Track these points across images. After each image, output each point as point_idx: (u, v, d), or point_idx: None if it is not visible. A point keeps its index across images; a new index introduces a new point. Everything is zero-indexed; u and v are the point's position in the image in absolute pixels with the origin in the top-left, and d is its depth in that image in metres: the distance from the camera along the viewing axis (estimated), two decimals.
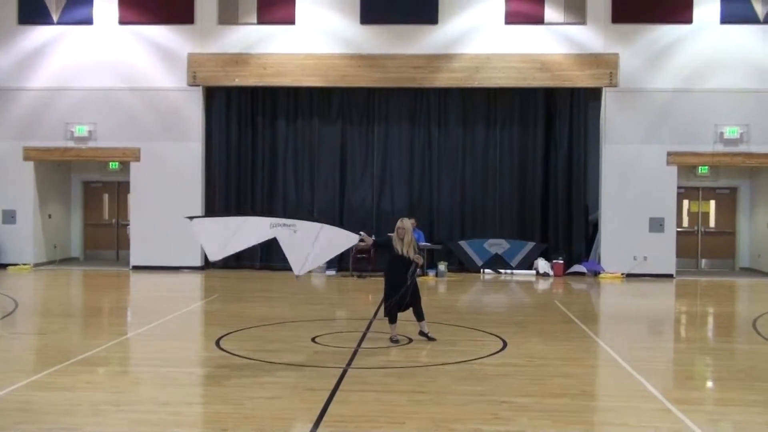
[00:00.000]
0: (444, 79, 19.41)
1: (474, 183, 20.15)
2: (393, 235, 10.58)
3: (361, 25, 19.47)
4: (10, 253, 20.00)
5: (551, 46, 19.25)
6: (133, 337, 11.13)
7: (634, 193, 19.17)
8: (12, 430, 6.59)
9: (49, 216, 20.80)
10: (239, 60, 19.55)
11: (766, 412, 7.37)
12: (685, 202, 20.92)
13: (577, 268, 19.35)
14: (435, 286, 17.82)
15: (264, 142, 20.39)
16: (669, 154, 19.15)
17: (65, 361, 9.05)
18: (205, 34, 19.72)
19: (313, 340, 10.57)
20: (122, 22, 19.83)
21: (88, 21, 19.86)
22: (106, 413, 7.11)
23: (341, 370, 8.76)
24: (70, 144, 19.95)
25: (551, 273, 19.17)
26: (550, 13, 19.27)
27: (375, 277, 18.63)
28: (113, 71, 19.81)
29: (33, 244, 20.11)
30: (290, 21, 19.55)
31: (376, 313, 12.68)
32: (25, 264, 19.86)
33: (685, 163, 19.48)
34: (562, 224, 19.94)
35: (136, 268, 19.73)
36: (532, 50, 19.21)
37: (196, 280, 18.42)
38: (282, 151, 20.35)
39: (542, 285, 18.05)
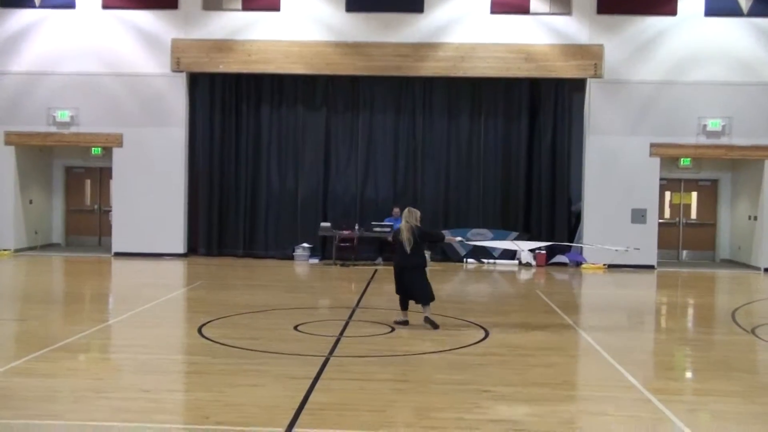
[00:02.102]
0: (429, 68, 19.39)
1: (458, 172, 20.17)
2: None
3: (347, 12, 19.38)
4: None
5: (536, 37, 19.26)
6: (115, 323, 11.08)
7: (617, 184, 19.25)
8: None
9: (30, 201, 20.63)
10: (223, 46, 19.43)
11: (744, 402, 7.45)
12: (667, 194, 21.03)
13: (560, 258, 19.44)
14: None
15: (248, 130, 20.30)
16: (652, 145, 19.25)
17: (45, 348, 9.00)
18: (189, 20, 19.57)
19: (295, 328, 10.57)
20: (105, 6, 19.64)
21: (71, 5, 19.66)
22: (88, 400, 7.08)
23: (323, 358, 8.77)
24: (53, 129, 19.77)
25: (533, 263, 19.25)
26: (536, 3, 19.26)
27: (358, 266, 18.66)
28: (96, 56, 19.63)
29: (13, 229, 19.93)
30: (275, 8, 19.44)
31: (359, 302, 12.68)
32: (5, 250, 19.70)
33: (667, 155, 19.58)
34: (545, 214, 20.00)
35: (118, 254, 19.62)
36: (517, 40, 19.22)
37: (178, 267, 18.35)
38: (266, 139, 20.28)
39: (524, 275, 18.13)
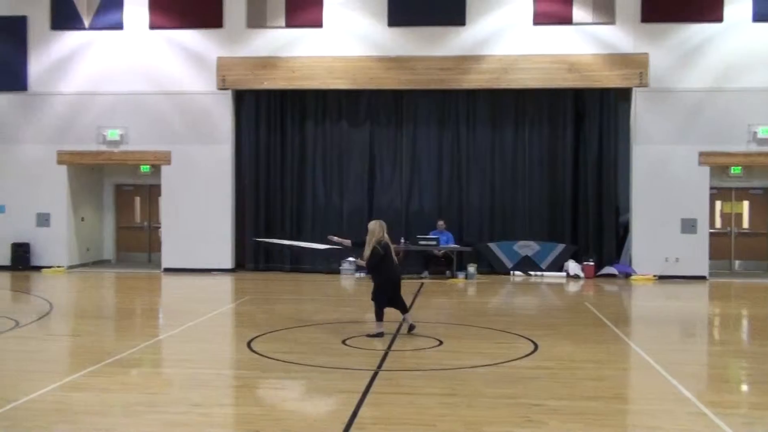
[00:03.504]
0: (472, 81, 19.37)
1: (503, 184, 20.07)
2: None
3: (389, 27, 19.48)
4: (45, 256, 20.28)
5: (580, 47, 19.13)
6: (166, 338, 11.23)
7: (665, 194, 18.97)
8: (48, 430, 6.68)
9: (82, 219, 21.06)
10: (268, 63, 19.66)
11: None
12: (718, 203, 20.65)
13: (608, 269, 19.19)
14: (464, 288, 17.78)
15: (293, 145, 20.47)
16: (701, 154, 18.94)
17: (99, 363, 9.16)
18: (234, 38, 19.85)
19: (343, 342, 10.59)
20: (152, 26, 20.02)
21: (119, 26, 20.08)
22: (140, 414, 7.18)
23: (372, 372, 8.77)
24: (103, 148, 20.19)
25: (582, 275, 19.03)
26: (579, 13, 19.14)
27: (404, 280, 18.60)
28: (144, 75, 20.01)
29: (67, 246, 20.36)
30: (318, 24, 19.62)
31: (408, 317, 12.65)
32: (59, 266, 20.13)
33: (717, 164, 19.24)
34: (592, 226, 19.77)
35: (168, 270, 19.89)
36: (560, 51, 19.11)
37: (226, 282, 18.54)
38: (311, 154, 20.42)
39: (573, 287, 17.93)
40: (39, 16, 20.26)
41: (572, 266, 19.22)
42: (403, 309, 11.27)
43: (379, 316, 10.96)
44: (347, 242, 11.92)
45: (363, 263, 11.38)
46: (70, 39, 20.23)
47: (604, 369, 9.20)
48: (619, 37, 19.08)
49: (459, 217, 20.07)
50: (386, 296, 11.06)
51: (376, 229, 11.05)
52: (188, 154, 19.97)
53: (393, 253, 11.19)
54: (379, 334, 10.86)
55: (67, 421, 6.95)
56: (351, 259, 11.40)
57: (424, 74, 19.37)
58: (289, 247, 13.09)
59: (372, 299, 11.11)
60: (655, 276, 18.80)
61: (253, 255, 20.30)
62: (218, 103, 19.98)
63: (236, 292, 17.22)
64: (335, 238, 12.13)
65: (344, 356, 9.77)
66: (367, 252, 10.98)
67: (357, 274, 19.26)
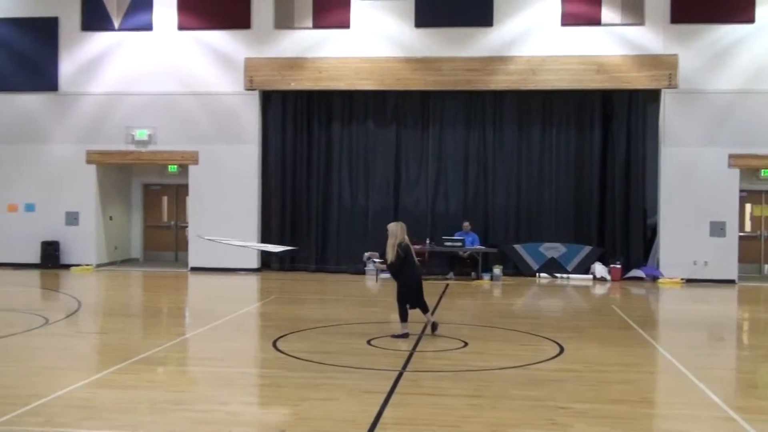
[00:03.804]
0: (499, 82, 19.31)
1: (530, 186, 19.97)
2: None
3: (416, 28, 19.47)
4: (74, 254, 20.50)
5: (608, 48, 19.00)
6: (192, 337, 11.31)
7: (694, 196, 18.78)
8: (76, 426, 6.75)
9: (111, 218, 21.27)
10: (295, 64, 19.73)
11: None
12: (748, 206, 20.39)
13: (635, 272, 19.03)
14: (490, 289, 17.73)
15: (319, 146, 20.52)
16: (730, 156, 18.73)
17: (126, 360, 9.24)
18: (262, 39, 19.95)
19: (368, 342, 10.60)
20: (181, 27, 20.18)
21: (148, 27, 20.27)
22: (166, 412, 7.23)
23: (397, 373, 8.77)
24: (131, 147, 20.38)
25: (608, 277, 18.89)
26: (608, 13, 19.00)
27: (429, 280, 18.60)
28: (172, 76, 20.17)
29: (95, 245, 20.57)
30: (345, 25, 19.66)
31: (430, 317, 12.63)
32: (87, 265, 20.34)
33: (747, 166, 19.01)
34: (619, 228, 19.61)
35: (195, 269, 20.03)
36: (588, 52, 18.98)
37: (252, 281, 18.63)
38: (337, 154, 20.46)
39: (599, 289, 17.81)
40: (70, 17, 20.50)
41: (599, 268, 19.08)
42: (425, 309, 11.25)
43: (404, 317, 10.96)
44: (382, 266, 11.85)
45: (384, 267, 11.47)
46: (100, 40, 20.45)
47: (631, 372, 9.12)
48: (649, 38, 18.92)
49: (485, 219, 20.00)
50: (409, 297, 11.05)
51: (398, 231, 11.03)
52: (215, 155, 20.10)
53: (414, 254, 11.17)
54: (404, 335, 10.85)
55: (95, 417, 7.02)
56: (377, 259, 11.48)
57: (450, 75, 19.34)
58: (237, 246, 13.06)
59: (397, 300, 11.11)
60: (682, 279, 18.61)
61: (278, 255, 20.35)
62: (245, 104, 20.09)
63: (262, 291, 17.30)
64: (376, 262, 12.06)
65: (369, 356, 9.78)
66: (390, 255, 10.97)
67: (381, 275, 19.21)
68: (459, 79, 19.34)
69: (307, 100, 20.48)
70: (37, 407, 7.23)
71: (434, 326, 11.13)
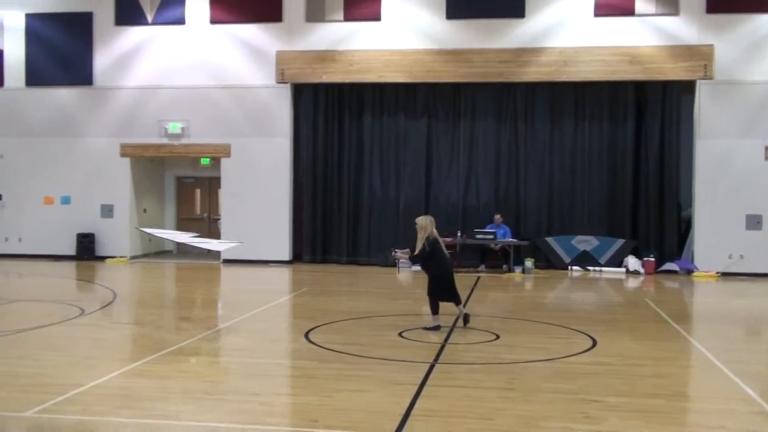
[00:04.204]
0: (531, 74, 19.18)
1: (562, 178, 19.82)
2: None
3: (447, 20, 19.40)
4: (108, 246, 20.77)
5: (642, 38, 18.77)
6: (224, 328, 11.41)
7: (729, 189, 18.53)
8: (113, 415, 6.86)
9: (144, 210, 21.51)
10: (326, 57, 19.77)
11: None
12: None
13: (670, 266, 18.83)
14: (521, 282, 17.65)
15: (350, 138, 20.54)
16: (767, 148, 18.43)
17: (160, 351, 9.35)
18: (293, 32, 20.00)
19: (400, 334, 10.62)
20: (213, 21, 20.30)
21: (181, 21, 20.41)
22: (200, 401, 7.31)
23: (428, 365, 8.77)
24: (164, 141, 20.57)
25: (642, 271, 18.71)
26: (641, 4, 18.77)
27: (460, 273, 18.57)
28: (205, 70, 20.31)
29: (129, 237, 20.82)
30: (376, 17, 19.65)
31: (462, 308, 12.62)
32: (122, 256, 20.60)
33: None
34: (653, 221, 19.40)
35: (227, 261, 20.18)
36: (622, 43, 18.78)
37: (284, 274, 18.73)
38: (368, 147, 20.47)
39: (632, 283, 17.65)
40: (104, 12, 20.72)
41: (632, 262, 18.91)
42: (457, 301, 11.23)
43: (434, 310, 10.96)
44: (406, 257, 11.91)
45: (405, 257, 11.71)
46: (133, 34, 20.64)
47: (665, 366, 9.04)
48: (683, 28, 18.67)
49: (516, 211, 19.89)
50: (440, 290, 11.03)
51: (427, 224, 11.07)
52: (247, 148, 20.22)
53: (443, 247, 11.15)
54: (435, 327, 10.85)
55: (131, 406, 7.12)
56: (399, 251, 11.45)
57: (482, 67, 19.25)
58: (177, 241, 13.01)
59: (427, 293, 11.11)
60: (717, 273, 18.38)
61: (310, 247, 20.46)
62: (277, 97, 20.17)
63: (293, 283, 17.40)
64: (398, 254, 12.10)
65: (401, 348, 9.79)
66: (417, 247, 11.04)
67: (403, 266, 19.14)
68: (490, 71, 19.24)
69: (338, 92, 20.50)
70: (75, 396, 7.35)
71: (466, 318, 11.12)
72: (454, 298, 11.19)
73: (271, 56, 20.03)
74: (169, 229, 22.58)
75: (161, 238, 15.34)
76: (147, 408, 7.08)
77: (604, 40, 18.83)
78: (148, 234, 11.69)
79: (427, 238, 10.92)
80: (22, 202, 21.06)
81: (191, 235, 13.43)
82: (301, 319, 12.24)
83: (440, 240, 11.17)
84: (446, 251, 11.32)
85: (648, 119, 19.54)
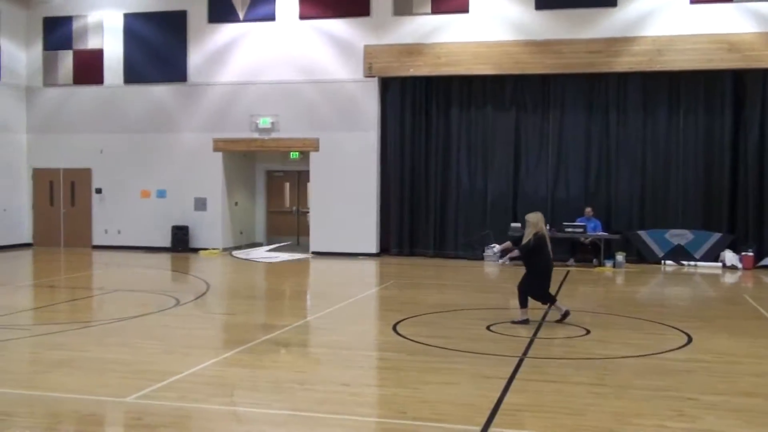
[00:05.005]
0: (623, 64, 18.73)
1: (655, 171, 19.28)
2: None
3: (536, 10, 19.13)
4: (201, 239, 21.36)
5: (741, 25, 18.08)
6: (314, 320, 11.58)
7: None
8: (207, 402, 7.06)
9: (236, 203, 22.02)
10: (413, 50, 19.78)
11: None
12: None
13: None
14: (612, 277, 17.29)
15: (438, 131, 20.50)
16: None
17: (252, 341, 9.57)
18: (381, 26, 20.09)
19: (488, 328, 10.56)
20: (302, 17, 20.58)
21: (271, 17, 20.76)
22: (291, 391, 7.45)
23: (517, 359, 8.71)
24: (255, 135, 21.00)
25: (740, 266, 18.06)
26: None
27: None
28: (294, 65, 20.62)
29: (222, 229, 21.36)
30: (464, 9, 19.54)
31: (551, 304, 12.45)
32: (214, 248, 21.14)
33: None
34: (752, 214, 18.67)
35: (316, 253, 20.46)
36: (719, 30, 18.13)
37: (371, 266, 18.87)
38: (455, 140, 20.39)
39: (729, 278, 17.06)
40: (197, 10, 21.26)
41: (729, 256, 18.27)
42: (544, 301, 11.08)
43: (524, 303, 10.86)
44: (507, 243, 12.13)
45: (501, 250, 11.91)
46: (225, 31, 21.12)
47: (765, 364, 8.72)
48: None
49: (607, 204, 19.48)
50: (533, 286, 10.93)
51: (538, 221, 10.99)
52: (335, 141, 20.44)
53: (549, 247, 11.03)
54: (524, 321, 10.75)
55: (223, 394, 7.31)
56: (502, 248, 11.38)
57: (571, 58, 18.91)
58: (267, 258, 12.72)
59: (517, 286, 11.02)
60: None
61: (397, 240, 20.54)
62: (365, 91, 20.30)
63: (381, 276, 17.50)
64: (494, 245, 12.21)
65: (489, 342, 9.75)
66: (524, 240, 10.99)
67: (500, 261, 19.03)
68: (580, 62, 18.88)
69: (425, 85, 20.48)
70: (173, 383, 7.60)
71: (566, 314, 10.90)
72: (544, 298, 11.04)
73: (359, 50, 20.18)
74: (260, 222, 23.06)
75: (257, 261, 15.34)
76: (239, 396, 7.27)
77: (700, 28, 18.22)
78: (244, 258, 11.83)
79: (536, 234, 10.86)
80: (120, 195, 21.87)
81: (275, 246, 13.32)
82: (389, 312, 12.31)
83: (548, 239, 11.06)
84: (551, 252, 11.11)
85: (747, 109, 18.80)
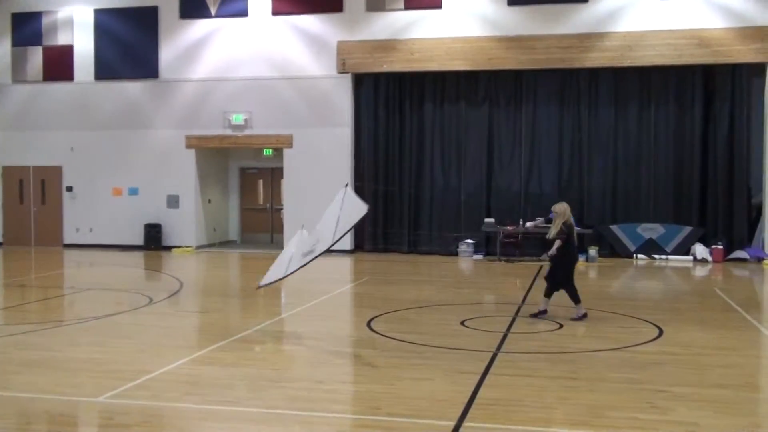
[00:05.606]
0: (595, 59, 18.86)
1: (626, 165, 19.46)
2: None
3: (509, 6, 19.21)
4: (174, 236, 21.22)
5: (710, 20, 18.28)
6: (288, 317, 11.56)
7: None
8: (180, 400, 7.02)
9: (209, 201, 21.89)
10: (387, 46, 19.77)
11: None
12: None
13: (739, 253, 18.36)
14: (585, 271, 17.40)
15: (411, 127, 20.52)
16: None
17: (226, 339, 9.53)
18: (354, 22, 20.06)
19: (462, 323, 10.61)
20: (275, 13, 20.48)
21: (244, 13, 20.65)
22: (265, 389, 7.43)
23: (491, 354, 8.75)
24: (228, 132, 20.88)
25: (710, 259, 18.28)
26: None
27: (523, 262, 18.46)
28: (267, 61, 20.53)
29: (195, 227, 21.22)
30: (437, 5, 19.56)
31: (524, 298, 12.55)
32: (187, 246, 21.02)
33: None
34: (722, 208, 18.91)
35: None
36: (689, 25, 18.32)
37: (346, 263, 18.85)
38: (429, 136, 20.42)
39: (700, 271, 17.27)
40: (169, 5, 21.09)
41: (699, 250, 18.50)
42: (572, 292, 11.01)
43: (577, 297, 10.85)
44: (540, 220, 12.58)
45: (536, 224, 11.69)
46: (198, 27, 20.98)
47: (734, 356, 8.84)
48: (754, 8, 18.12)
49: (580, 199, 19.60)
50: (566, 277, 10.91)
51: (565, 210, 11.06)
52: (309, 138, 20.39)
53: (575, 236, 11.09)
54: (584, 316, 10.77)
55: (198, 393, 7.27)
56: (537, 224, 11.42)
57: (544, 53, 19.01)
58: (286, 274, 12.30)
59: (555, 282, 11.02)
60: None
61: (372, 236, 20.54)
62: (338, 87, 20.27)
63: (355, 272, 17.50)
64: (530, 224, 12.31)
65: (463, 337, 9.79)
66: (553, 232, 10.98)
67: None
68: (552, 57, 18.99)
69: (399, 82, 20.49)
70: (146, 382, 7.55)
71: (543, 312, 10.96)
72: (569, 288, 10.96)
73: (332, 46, 20.14)
74: (233, 219, 22.92)
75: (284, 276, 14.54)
76: (213, 394, 7.23)
77: (670, 24, 18.40)
78: (272, 283, 11.24)
79: (564, 223, 10.91)
80: (92, 193, 21.66)
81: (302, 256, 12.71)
82: (363, 308, 12.32)
83: (574, 228, 11.13)
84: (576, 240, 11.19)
85: (717, 104, 19.04)
